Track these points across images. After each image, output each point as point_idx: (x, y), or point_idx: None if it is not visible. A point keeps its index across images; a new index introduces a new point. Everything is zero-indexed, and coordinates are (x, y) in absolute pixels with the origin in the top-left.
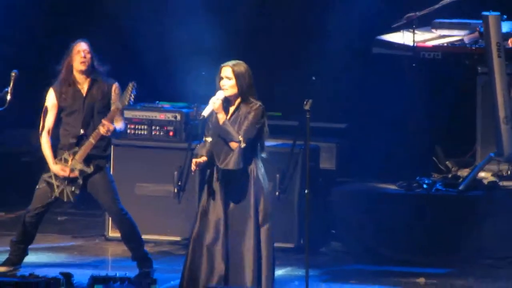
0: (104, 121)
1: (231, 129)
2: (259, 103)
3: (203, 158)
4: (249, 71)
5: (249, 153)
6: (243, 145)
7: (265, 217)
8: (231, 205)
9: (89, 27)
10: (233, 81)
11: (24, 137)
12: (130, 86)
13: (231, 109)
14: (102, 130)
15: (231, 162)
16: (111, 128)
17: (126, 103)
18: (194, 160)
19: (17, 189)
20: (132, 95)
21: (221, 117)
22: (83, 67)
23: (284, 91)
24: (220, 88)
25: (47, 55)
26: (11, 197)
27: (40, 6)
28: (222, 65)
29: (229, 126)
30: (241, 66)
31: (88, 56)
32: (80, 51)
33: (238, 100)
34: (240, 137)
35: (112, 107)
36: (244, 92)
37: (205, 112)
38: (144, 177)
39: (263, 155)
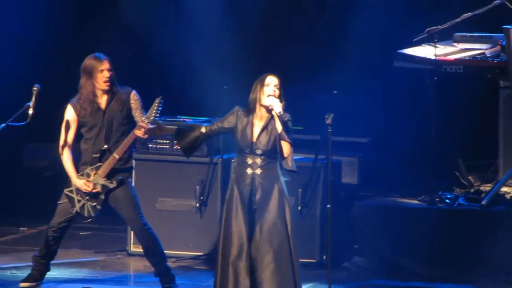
0: (141, 124)
1: (285, 132)
2: (288, 114)
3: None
4: None
5: (276, 163)
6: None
7: (291, 228)
8: (258, 217)
9: (109, 41)
10: (279, 92)
11: (46, 152)
12: (157, 101)
13: (265, 117)
14: (138, 133)
15: (290, 163)
16: (148, 127)
17: (152, 118)
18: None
19: (40, 204)
20: (158, 110)
21: (277, 121)
22: (106, 87)
23: (306, 105)
24: (263, 95)
25: (68, 69)
26: (34, 212)
27: (60, 23)
28: (267, 74)
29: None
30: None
31: (110, 74)
32: (104, 70)
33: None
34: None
35: (139, 120)
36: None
37: (279, 109)
38: (165, 191)
39: (287, 178)
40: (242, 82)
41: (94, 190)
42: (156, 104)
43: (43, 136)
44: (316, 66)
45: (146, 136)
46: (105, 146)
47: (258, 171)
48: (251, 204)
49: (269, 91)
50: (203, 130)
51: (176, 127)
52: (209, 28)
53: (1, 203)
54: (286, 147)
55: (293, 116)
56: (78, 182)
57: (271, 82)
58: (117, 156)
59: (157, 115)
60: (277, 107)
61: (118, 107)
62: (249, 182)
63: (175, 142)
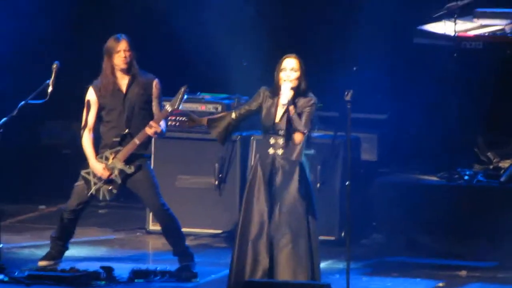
0: (152, 123)
1: (298, 120)
2: (314, 98)
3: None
4: None
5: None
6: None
7: (313, 211)
8: (278, 198)
9: (130, 19)
10: (298, 73)
11: (66, 129)
12: (182, 90)
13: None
14: (149, 131)
15: (296, 154)
16: (159, 130)
17: (176, 107)
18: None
19: (58, 182)
20: (183, 99)
21: (291, 108)
22: (124, 66)
23: (325, 82)
24: (280, 80)
25: (88, 47)
26: (52, 190)
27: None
28: (286, 56)
29: (297, 117)
30: (301, 59)
31: (128, 54)
32: (121, 50)
33: (296, 93)
34: (305, 128)
35: (155, 111)
36: (305, 85)
37: (284, 101)
38: (185, 169)
39: (311, 151)
40: (262, 59)
41: (111, 177)
42: (181, 93)
43: (62, 114)
44: (336, 42)
45: (155, 136)
46: (126, 130)
47: (280, 151)
48: (271, 184)
49: (285, 76)
50: (233, 115)
51: (207, 118)
52: (230, 4)
53: (20, 181)
54: (295, 136)
55: (312, 93)
56: (96, 165)
57: (287, 65)
58: (137, 142)
59: (181, 104)
60: (284, 98)
61: (139, 91)
62: (270, 162)
63: (210, 132)
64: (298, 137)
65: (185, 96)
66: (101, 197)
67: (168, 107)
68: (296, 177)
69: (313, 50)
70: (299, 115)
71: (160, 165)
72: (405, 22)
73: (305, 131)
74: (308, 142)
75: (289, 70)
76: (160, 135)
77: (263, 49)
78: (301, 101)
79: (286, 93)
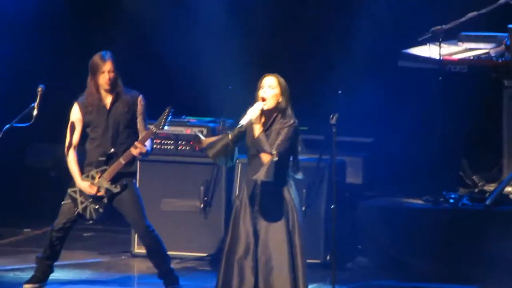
0: (137, 143)
1: (265, 140)
2: (293, 119)
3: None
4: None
5: (283, 171)
6: (275, 158)
7: (299, 233)
8: (263, 221)
9: (115, 41)
10: (276, 91)
11: (51, 152)
12: (167, 110)
13: (267, 122)
14: (134, 152)
15: (262, 174)
16: (144, 150)
17: (161, 127)
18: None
19: (44, 205)
20: (167, 119)
21: (257, 128)
22: (108, 87)
23: (310, 105)
24: (258, 99)
25: (73, 69)
26: (38, 213)
27: (64, 20)
28: (265, 74)
29: (264, 138)
30: (283, 79)
31: (113, 75)
32: (105, 71)
33: (274, 113)
34: (273, 150)
35: (140, 127)
36: (284, 105)
37: (243, 121)
38: (170, 192)
39: (299, 176)
40: (248, 82)
41: (98, 194)
42: (166, 113)
43: (48, 137)
44: (320, 66)
45: (140, 156)
46: (112, 150)
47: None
48: (253, 205)
49: (262, 93)
50: (229, 136)
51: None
52: (215, 27)
53: (5, 204)
54: (262, 156)
55: (297, 116)
56: (82, 184)
57: (265, 83)
58: (123, 162)
59: (166, 124)
60: (245, 118)
61: (123, 109)
62: (253, 182)
63: (208, 153)
64: (264, 157)
65: (170, 117)
66: (88, 216)
67: (152, 127)
68: (279, 198)
69: (299, 73)
70: (276, 136)
71: (145, 188)
72: (390, 45)
73: (272, 152)
74: (297, 166)
75: (267, 87)
76: (145, 155)
77: (249, 73)
78: (280, 122)
79: (250, 113)
